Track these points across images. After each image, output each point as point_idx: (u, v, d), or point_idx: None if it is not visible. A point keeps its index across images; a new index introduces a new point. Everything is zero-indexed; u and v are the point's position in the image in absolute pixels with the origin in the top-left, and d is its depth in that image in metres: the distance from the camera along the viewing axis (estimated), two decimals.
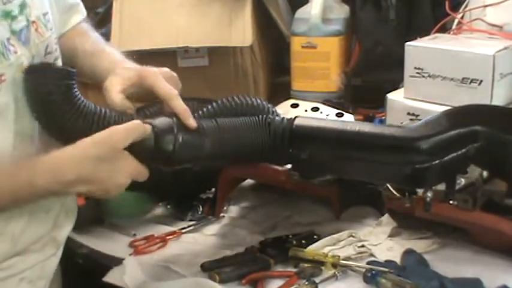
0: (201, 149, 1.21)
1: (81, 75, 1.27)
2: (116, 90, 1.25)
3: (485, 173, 1.30)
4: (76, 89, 1.19)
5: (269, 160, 1.33)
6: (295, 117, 1.29)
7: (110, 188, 1.14)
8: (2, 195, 1.11)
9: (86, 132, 1.15)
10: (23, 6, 1.17)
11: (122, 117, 1.22)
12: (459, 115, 1.26)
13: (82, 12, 1.45)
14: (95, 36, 1.44)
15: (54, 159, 1.13)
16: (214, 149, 1.22)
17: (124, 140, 1.13)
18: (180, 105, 1.23)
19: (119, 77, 1.27)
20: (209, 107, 1.30)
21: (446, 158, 1.17)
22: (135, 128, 1.15)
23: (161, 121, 1.20)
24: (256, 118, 1.27)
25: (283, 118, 1.29)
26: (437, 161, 1.17)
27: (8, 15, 1.14)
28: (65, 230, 1.34)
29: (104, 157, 1.12)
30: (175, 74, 1.32)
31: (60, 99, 1.18)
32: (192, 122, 1.21)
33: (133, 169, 1.15)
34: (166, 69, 1.31)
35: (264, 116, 1.28)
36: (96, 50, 1.37)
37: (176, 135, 1.19)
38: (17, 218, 1.20)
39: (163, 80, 1.26)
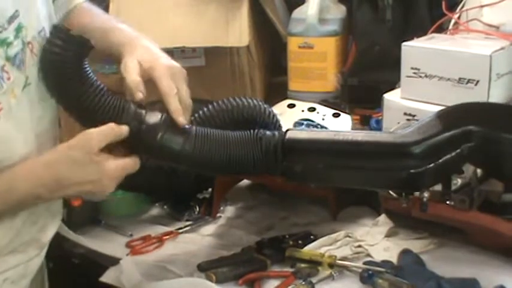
0: (180, 150, 1.22)
1: (95, 50, 1.26)
2: (135, 72, 1.25)
3: (479, 171, 1.31)
4: (86, 62, 1.21)
5: (263, 173, 1.33)
6: (287, 130, 1.29)
7: (95, 190, 1.16)
8: None
9: (79, 100, 1.19)
10: (18, 30, 1.16)
11: (116, 99, 1.22)
12: (452, 115, 1.26)
13: None
14: (102, 13, 1.43)
15: (32, 164, 1.15)
16: (195, 154, 1.23)
17: (98, 143, 1.14)
18: (173, 104, 1.23)
19: (136, 59, 1.27)
20: (205, 109, 1.31)
21: (441, 160, 1.17)
22: (109, 132, 1.16)
23: (150, 114, 1.23)
24: (248, 133, 1.26)
25: (274, 133, 1.28)
26: (432, 164, 1.17)
27: (4, 43, 1.14)
28: (50, 232, 1.33)
29: (78, 160, 1.13)
30: (184, 71, 1.31)
31: (69, 65, 1.19)
32: (181, 121, 1.22)
33: (116, 169, 1.16)
34: (177, 65, 1.30)
35: (256, 131, 1.27)
36: (109, 26, 1.36)
37: (158, 131, 1.21)
38: (6, 228, 1.20)
39: (168, 77, 1.26)
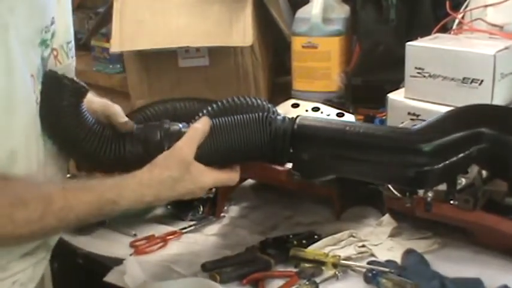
0: None
1: None
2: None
3: (484, 172, 1.30)
4: (84, 105, 1.24)
5: (269, 160, 1.33)
6: (297, 116, 1.29)
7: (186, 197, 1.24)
8: (88, 210, 1.15)
9: (79, 145, 1.23)
10: (53, 35, 1.21)
11: (113, 132, 1.27)
12: (463, 116, 1.25)
13: None
14: None
15: (137, 183, 1.19)
16: (200, 152, 1.23)
17: (191, 151, 1.21)
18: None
19: None
20: (209, 108, 1.31)
21: (449, 161, 1.17)
22: (195, 134, 1.23)
23: (150, 133, 1.26)
24: (257, 116, 1.26)
25: (284, 118, 1.28)
26: (440, 164, 1.17)
27: (44, 43, 1.19)
28: (57, 236, 1.34)
29: (178, 177, 1.19)
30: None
31: (65, 113, 1.22)
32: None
33: (211, 181, 1.23)
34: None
35: (265, 114, 1.27)
36: None
37: (164, 144, 1.24)
38: None
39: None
